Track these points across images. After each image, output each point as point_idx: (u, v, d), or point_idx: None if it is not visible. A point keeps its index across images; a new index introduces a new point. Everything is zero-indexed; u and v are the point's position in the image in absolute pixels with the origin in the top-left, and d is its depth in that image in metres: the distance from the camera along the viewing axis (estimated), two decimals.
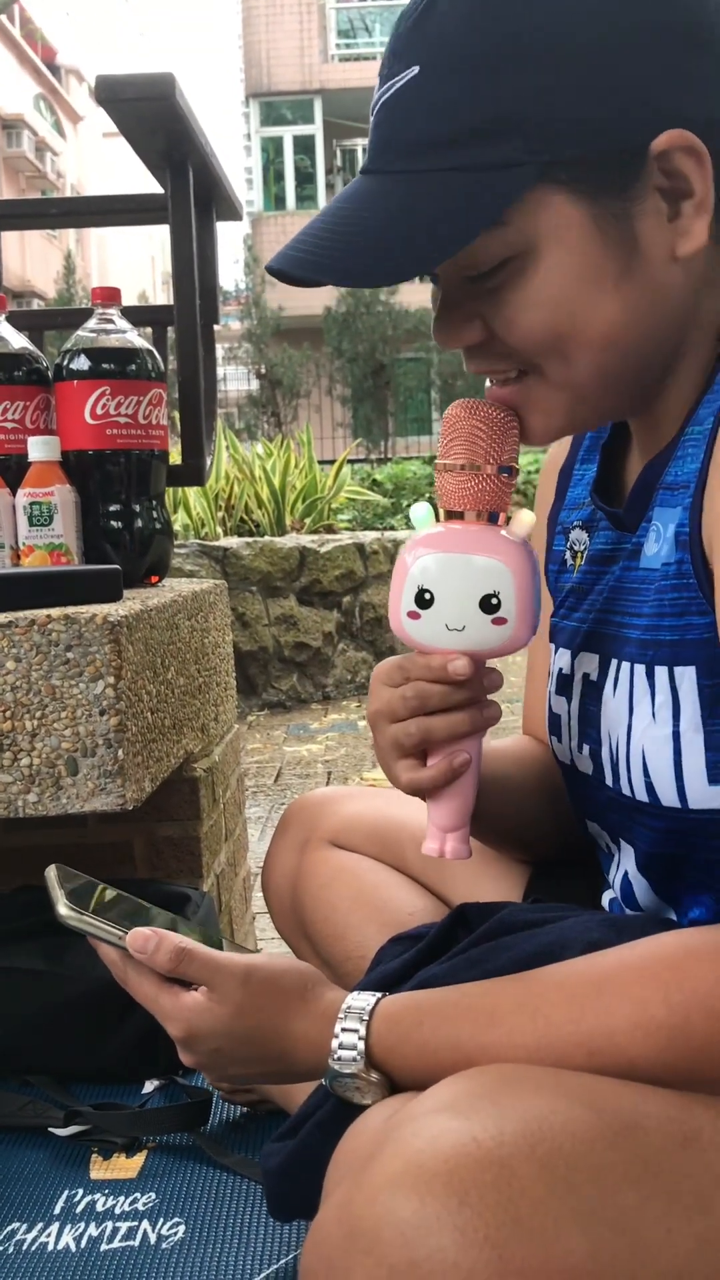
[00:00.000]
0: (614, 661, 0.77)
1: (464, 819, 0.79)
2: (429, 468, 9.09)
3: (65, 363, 1.40)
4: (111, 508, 1.41)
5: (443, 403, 15.91)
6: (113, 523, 1.41)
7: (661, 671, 0.71)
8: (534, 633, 0.76)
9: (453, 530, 0.75)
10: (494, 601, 0.73)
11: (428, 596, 0.74)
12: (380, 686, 0.80)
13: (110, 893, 0.86)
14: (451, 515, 0.75)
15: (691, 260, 0.69)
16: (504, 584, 0.73)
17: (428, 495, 8.49)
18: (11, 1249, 0.98)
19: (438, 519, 0.76)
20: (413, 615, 0.75)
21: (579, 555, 0.86)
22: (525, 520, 0.75)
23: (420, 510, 0.76)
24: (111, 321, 1.41)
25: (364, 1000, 0.72)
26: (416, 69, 0.67)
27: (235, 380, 15.69)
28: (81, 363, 1.38)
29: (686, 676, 0.70)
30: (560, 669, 0.85)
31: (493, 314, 0.70)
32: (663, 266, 0.69)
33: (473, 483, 0.74)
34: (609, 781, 0.78)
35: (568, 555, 0.88)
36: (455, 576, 0.73)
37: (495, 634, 0.74)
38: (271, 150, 20.01)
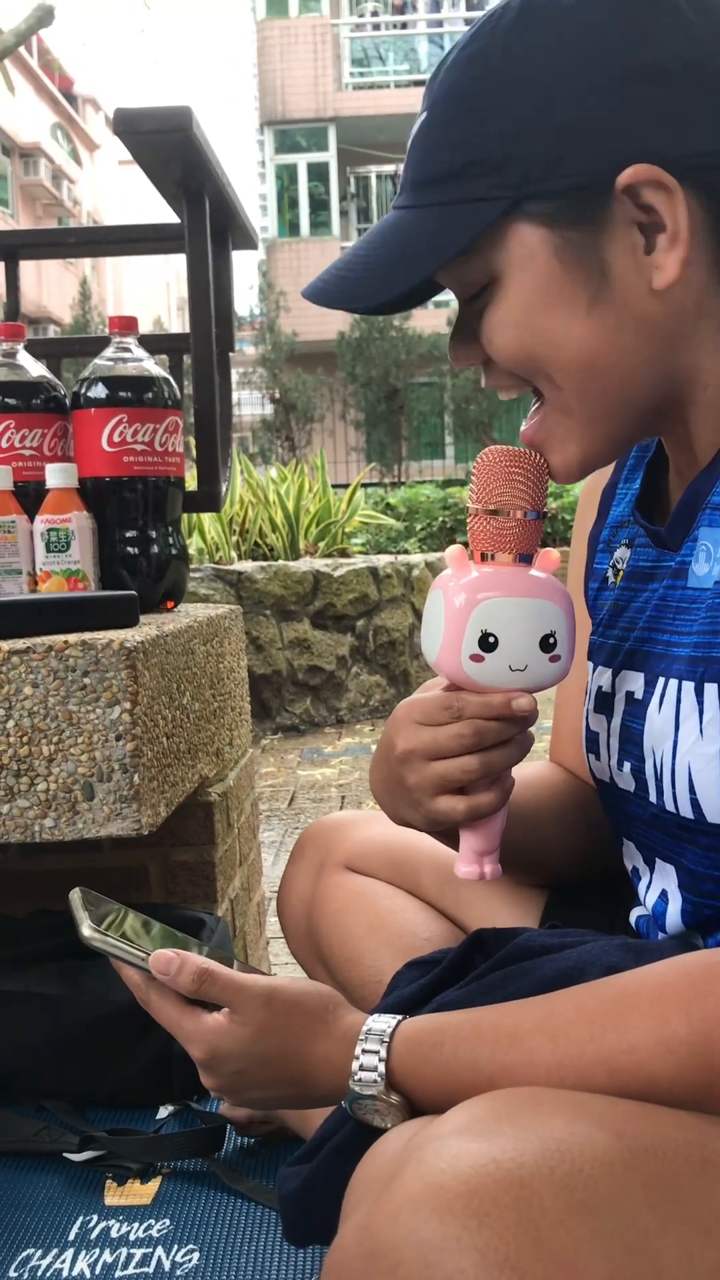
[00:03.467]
0: (660, 679, 0.78)
1: (498, 841, 0.82)
2: (442, 492, 9.09)
3: (83, 390, 1.41)
4: (128, 534, 1.42)
5: (456, 427, 15.95)
6: (129, 549, 1.42)
7: (711, 688, 0.72)
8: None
9: (502, 573, 0.77)
10: (551, 641, 0.77)
11: (492, 640, 0.76)
12: (413, 726, 0.80)
13: (131, 916, 0.87)
14: (485, 557, 0.78)
15: (670, 293, 0.72)
16: (559, 623, 0.77)
17: (440, 520, 8.50)
18: (26, 1275, 0.98)
19: (470, 560, 0.79)
20: (476, 658, 0.76)
21: (619, 573, 0.88)
22: (552, 560, 0.78)
23: (455, 552, 0.79)
24: (129, 350, 1.43)
25: (384, 1022, 0.72)
26: (426, 114, 0.75)
27: (249, 405, 15.77)
28: (99, 391, 1.40)
29: None
30: (600, 687, 0.86)
31: (482, 333, 0.77)
32: (641, 297, 0.72)
33: (512, 527, 0.77)
34: (652, 798, 0.78)
35: (609, 573, 0.90)
36: (519, 619, 0.76)
37: (551, 670, 0.78)
38: (286, 177, 20.16)
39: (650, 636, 0.81)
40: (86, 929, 0.80)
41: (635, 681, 0.82)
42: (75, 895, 0.85)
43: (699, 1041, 0.62)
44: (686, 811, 0.74)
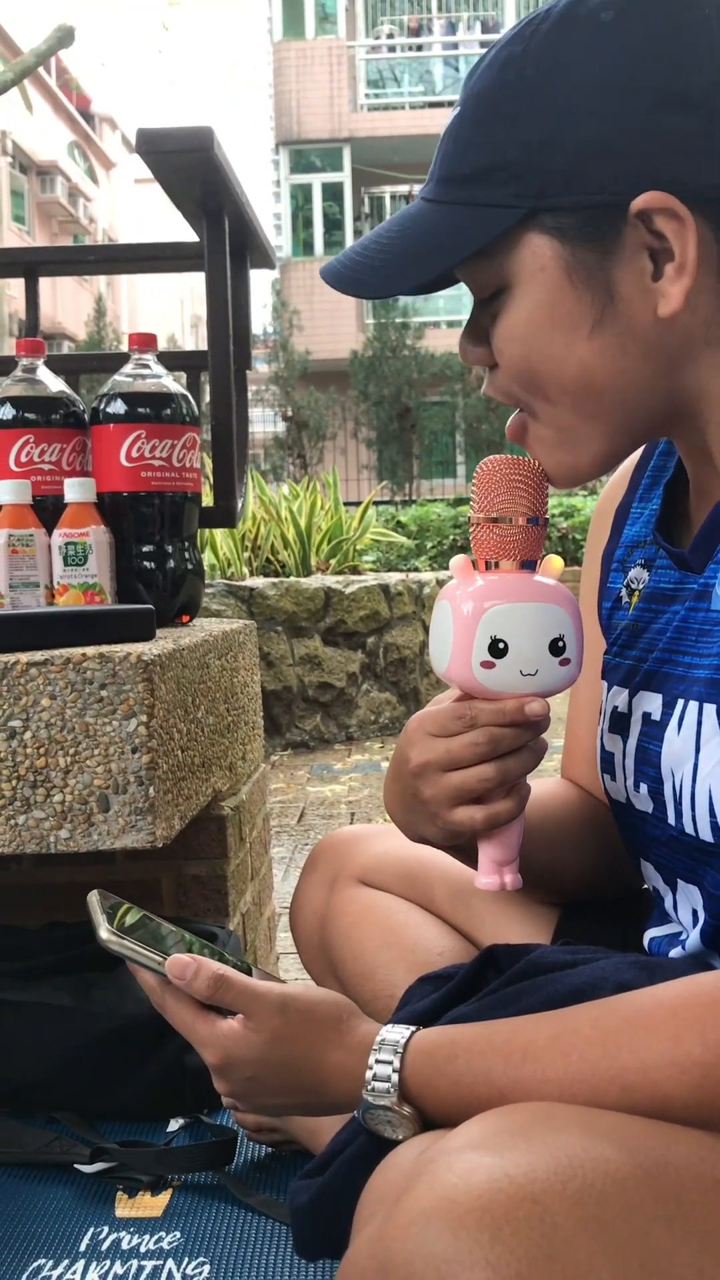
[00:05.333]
0: (680, 701, 0.77)
1: (517, 850, 0.82)
2: (453, 510, 9.11)
3: (102, 406, 1.43)
4: (145, 548, 1.43)
5: (467, 446, 15.98)
6: (146, 563, 1.43)
7: None
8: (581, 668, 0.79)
9: (508, 580, 0.77)
10: (560, 644, 0.77)
11: (501, 646, 0.76)
12: (427, 738, 0.80)
13: (149, 917, 0.87)
14: (489, 565, 0.78)
15: (675, 321, 0.72)
16: (567, 627, 0.77)
17: (451, 539, 8.51)
18: None
19: (475, 569, 0.79)
20: (486, 665, 0.76)
21: (635, 593, 0.87)
22: (555, 566, 0.79)
23: (460, 562, 0.79)
24: (148, 366, 1.44)
25: (398, 1033, 0.72)
26: (459, 109, 0.76)
27: (262, 422, 15.82)
28: (118, 406, 1.41)
29: None
30: (615, 707, 0.86)
31: (493, 340, 0.77)
32: (645, 323, 0.72)
33: (515, 534, 0.77)
34: (671, 820, 0.78)
35: (623, 593, 0.89)
36: (528, 624, 0.76)
37: (561, 674, 0.78)
38: (300, 197, 20.28)
39: (670, 658, 0.80)
40: (104, 932, 0.80)
41: (653, 703, 0.81)
42: (93, 897, 0.85)
43: (712, 1062, 0.62)
44: (706, 835, 0.74)
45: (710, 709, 0.73)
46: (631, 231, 0.71)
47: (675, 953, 0.81)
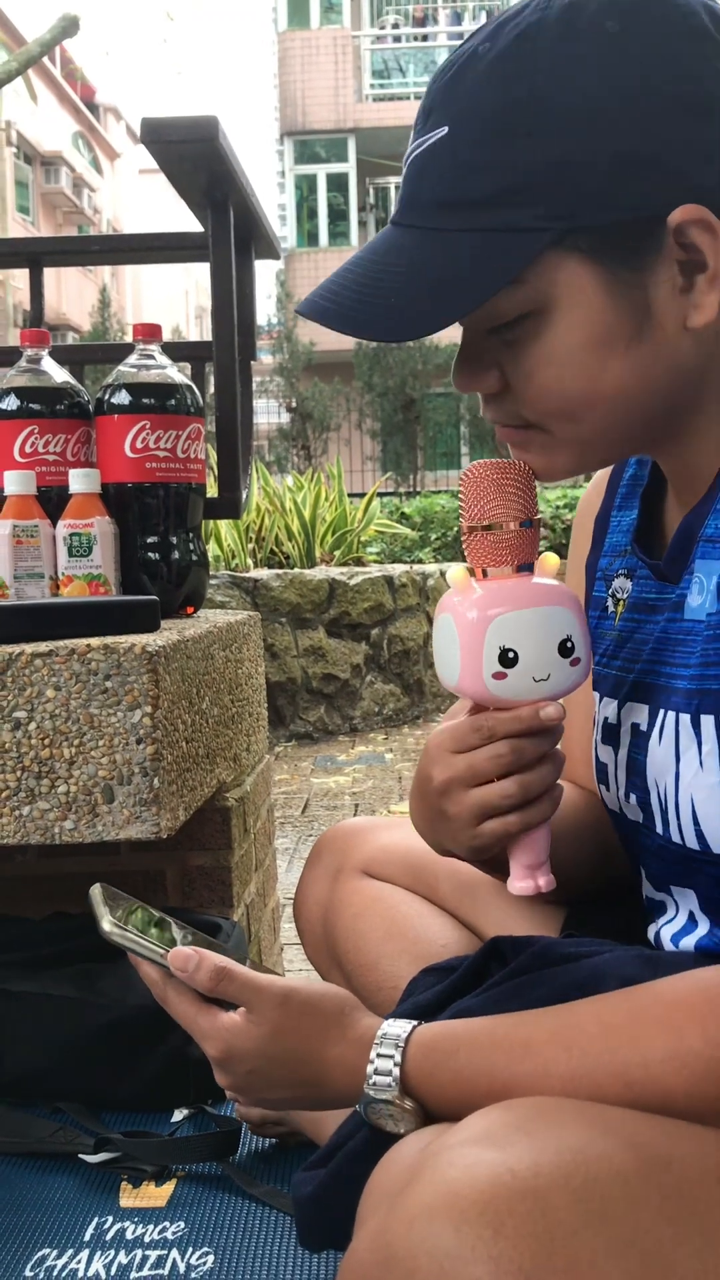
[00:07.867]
0: (661, 711, 0.77)
1: (548, 852, 0.80)
2: (458, 501, 9.09)
3: (106, 397, 1.42)
4: (149, 539, 1.43)
5: (471, 438, 15.95)
6: (150, 554, 1.43)
7: (708, 720, 0.71)
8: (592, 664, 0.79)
9: (508, 586, 0.76)
10: (569, 645, 0.76)
11: (511, 655, 0.75)
12: (448, 755, 0.78)
13: (152, 913, 0.87)
14: (486, 572, 0.77)
15: (703, 332, 0.71)
16: (573, 627, 0.76)
17: (455, 530, 8.50)
18: (42, 1275, 0.98)
19: (473, 577, 0.78)
20: (498, 676, 0.75)
21: (620, 603, 0.87)
22: (552, 563, 0.78)
23: (457, 571, 0.78)
24: (152, 357, 1.44)
25: (400, 1027, 0.72)
26: (446, 129, 0.70)
27: (266, 413, 15.79)
28: (122, 397, 1.41)
29: None
30: (606, 718, 0.86)
31: (512, 367, 0.73)
32: (674, 334, 0.71)
33: (510, 538, 0.76)
34: (659, 829, 0.78)
35: (609, 602, 0.89)
36: (536, 630, 0.75)
37: (572, 674, 0.77)
38: (305, 188, 20.23)
39: (654, 669, 0.80)
40: (106, 924, 0.81)
41: (640, 714, 0.81)
42: (96, 890, 0.85)
43: (714, 1056, 0.62)
44: (692, 843, 0.74)
45: (685, 719, 0.74)
46: (664, 245, 0.69)
47: (687, 941, 0.81)
